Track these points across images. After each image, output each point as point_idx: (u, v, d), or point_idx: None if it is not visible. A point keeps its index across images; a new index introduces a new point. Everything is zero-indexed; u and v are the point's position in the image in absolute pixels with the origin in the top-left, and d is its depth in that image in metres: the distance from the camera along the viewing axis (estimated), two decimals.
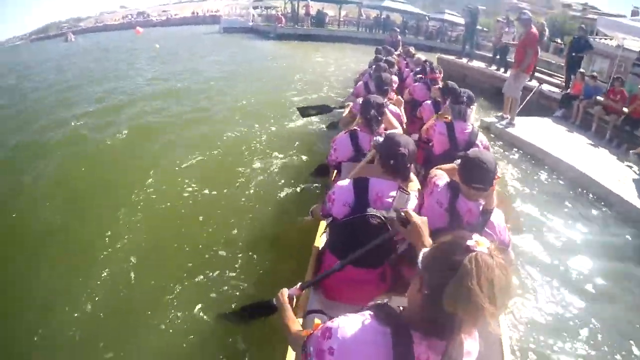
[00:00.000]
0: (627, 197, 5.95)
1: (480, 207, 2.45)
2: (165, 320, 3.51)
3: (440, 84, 5.52)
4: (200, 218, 5.11)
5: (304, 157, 6.94)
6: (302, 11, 31.52)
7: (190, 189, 5.76)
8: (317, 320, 1.46)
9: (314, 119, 8.58)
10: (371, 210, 2.31)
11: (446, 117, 4.18)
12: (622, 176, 6.76)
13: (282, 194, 5.73)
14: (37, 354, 3.25)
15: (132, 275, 4.06)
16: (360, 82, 6.81)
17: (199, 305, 3.64)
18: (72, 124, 8.87)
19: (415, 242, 1.84)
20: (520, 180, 6.69)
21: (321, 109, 6.62)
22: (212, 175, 6.25)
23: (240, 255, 4.39)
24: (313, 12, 32.12)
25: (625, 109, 8.69)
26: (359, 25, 33.44)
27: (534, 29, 8.28)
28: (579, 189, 6.48)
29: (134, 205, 5.34)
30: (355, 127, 3.72)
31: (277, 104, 10.59)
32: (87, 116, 9.50)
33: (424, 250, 1.21)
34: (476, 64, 15.15)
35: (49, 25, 57.83)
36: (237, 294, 3.83)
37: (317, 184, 5.70)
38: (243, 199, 5.59)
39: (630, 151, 7.68)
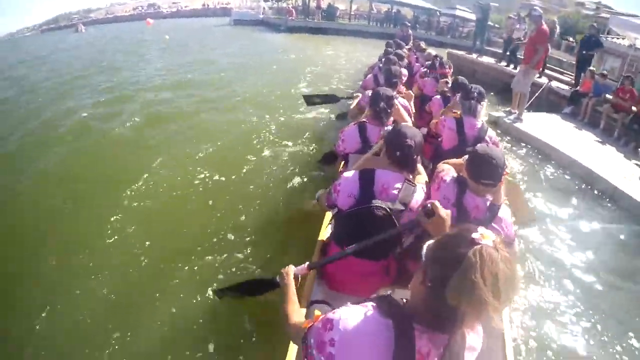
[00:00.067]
0: (633, 194, 5.97)
1: (488, 203, 2.41)
2: (172, 303, 3.61)
3: (450, 80, 5.55)
4: (210, 202, 5.25)
5: (313, 147, 7.02)
6: (313, 4, 31.44)
7: (200, 175, 5.88)
8: (317, 312, 1.46)
9: (323, 110, 8.69)
10: (376, 202, 2.30)
11: (455, 112, 4.20)
12: (628, 173, 6.78)
13: (290, 182, 5.81)
14: (45, 338, 3.32)
15: (142, 258, 4.17)
16: (370, 75, 6.81)
17: (206, 287, 3.73)
18: (82, 113, 9.00)
19: (436, 235, 1.77)
20: (526, 175, 6.74)
21: (328, 99, 6.62)
22: (221, 163, 6.35)
23: (247, 240, 4.50)
24: (324, 5, 32.04)
25: (634, 108, 8.67)
26: (369, 19, 33.20)
27: (545, 26, 8.26)
28: (585, 185, 6.52)
29: (143, 191, 5.47)
30: (363, 119, 3.72)
31: (287, 95, 10.67)
32: (97, 106, 9.65)
33: (429, 242, 1.20)
34: (486, 59, 15.09)
35: (59, 16, 57.89)
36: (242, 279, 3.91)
37: (324, 172, 5.76)
38: (252, 187, 5.69)
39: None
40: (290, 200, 5.35)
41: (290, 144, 7.16)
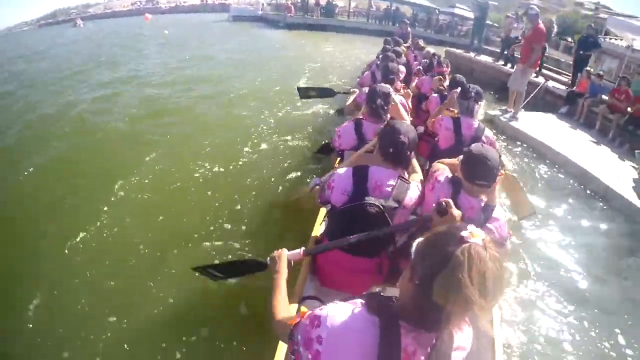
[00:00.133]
0: (625, 194, 6.04)
1: (482, 204, 2.38)
2: (168, 290, 3.70)
3: (448, 78, 5.57)
4: (207, 194, 5.36)
5: (310, 141, 7.07)
6: (311, 1, 31.39)
7: (198, 168, 5.97)
8: (303, 308, 1.46)
9: (322, 105, 8.75)
10: (369, 199, 2.30)
11: (453, 112, 4.20)
12: (622, 174, 6.83)
13: (287, 176, 5.88)
14: (42, 323, 3.40)
15: (139, 247, 4.28)
16: (367, 72, 6.81)
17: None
18: (81, 108, 9.05)
19: None
20: (520, 173, 6.76)
21: (323, 92, 6.52)
22: (219, 156, 6.43)
23: (243, 231, 4.62)
24: (323, 2, 31.99)
25: (629, 109, 8.73)
26: (368, 17, 33.14)
27: (541, 25, 8.29)
28: (578, 184, 6.58)
29: (141, 183, 5.57)
30: (360, 116, 3.72)
31: (286, 91, 10.69)
32: (96, 100, 9.70)
33: (419, 239, 1.19)
34: (484, 58, 15.13)
35: (58, 10, 57.50)
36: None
37: (321, 164, 5.86)
38: (249, 179, 5.76)
39: (636, 151, 7.75)
40: (287, 193, 5.38)
41: (288, 138, 7.22)
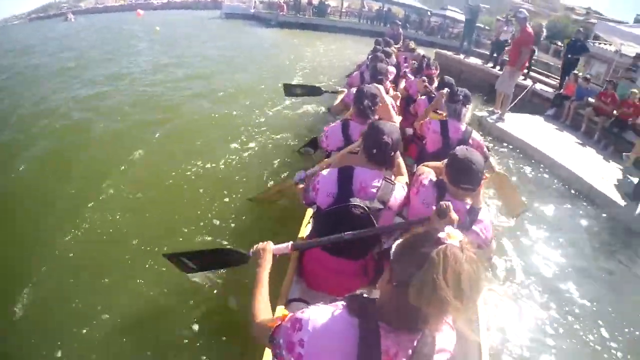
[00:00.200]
0: (609, 194, 6.19)
1: (468, 206, 2.37)
2: (154, 283, 3.71)
3: (436, 80, 5.58)
4: (195, 191, 5.35)
5: (300, 139, 7.02)
6: (304, 0, 31.41)
7: (187, 165, 5.94)
8: (284, 311, 1.46)
9: (313, 104, 8.75)
10: (354, 200, 2.30)
11: (441, 114, 4.22)
12: (606, 174, 6.98)
13: (276, 173, 5.90)
14: (30, 315, 3.41)
15: (128, 242, 4.26)
16: (356, 72, 6.82)
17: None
18: (71, 103, 8.93)
19: None
20: (505, 173, 6.84)
21: (310, 91, 6.44)
22: (208, 152, 6.43)
23: (230, 228, 4.62)
24: (315, 1, 32.01)
25: (615, 112, 8.88)
26: (360, 17, 33.29)
27: (529, 28, 8.39)
28: (563, 184, 6.71)
29: (130, 179, 5.56)
30: (348, 117, 3.72)
31: (277, 90, 10.47)
32: (86, 97, 9.53)
33: (398, 241, 1.20)
34: (473, 60, 15.25)
35: (49, 4, 56.95)
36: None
37: (308, 164, 5.82)
38: (237, 177, 5.78)
39: (623, 153, 7.89)
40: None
41: (278, 136, 7.24)
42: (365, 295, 1.27)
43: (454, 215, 1.92)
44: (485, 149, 4.06)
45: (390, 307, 1.14)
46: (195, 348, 3.18)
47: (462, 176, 2.35)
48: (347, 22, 31.79)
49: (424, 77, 5.68)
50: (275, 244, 2.07)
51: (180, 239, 4.33)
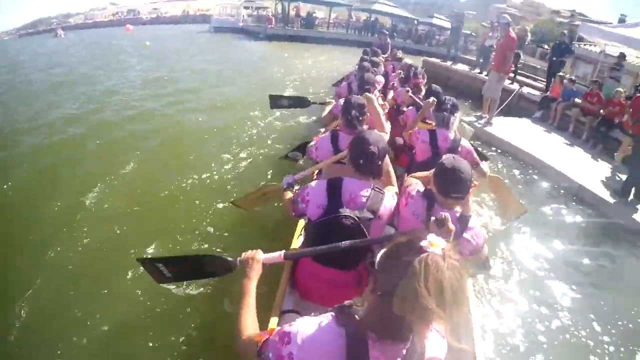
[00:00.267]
0: (597, 192, 6.29)
1: (458, 214, 2.36)
2: (144, 289, 3.70)
3: (424, 89, 5.61)
4: (195, 201, 5.36)
5: (290, 148, 7.01)
6: (292, 12, 31.68)
7: (177, 176, 5.97)
8: (271, 326, 1.46)
9: (303, 114, 8.79)
10: (344, 211, 2.28)
11: (430, 124, 4.22)
12: (594, 173, 7.09)
13: (266, 182, 5.86)
14: (21, 317, 3.43)
15: (120, 250, 4.27)
16: (344, 83, 6.79)
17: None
18: (61, 118, 8.89)
19: None
20: (498, 176, 6.90)
21: (296, 102, 6.36)
22: (199, 165, 6.43)
23: (222, 237, 4.63)
24: (303, 13, 32.31)
25: (601, 111, 9.01)
26: (348, 28, 33.58)
27: (512, 33, 8.52)
28: (552, 184, 6.78)
29: (123, 190, 5.60)
30: (337, 128, 3.72)
31: (266, 102, 10.68)
32: (78, 113, 9.47)
33: (382, 250, 1.20)
34: (460, 67, 15.42)
35: (38, 20, 57.02)
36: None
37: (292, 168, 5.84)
38: (228, 186, 5.81)
39: (615, 153, 7.98)
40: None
41: (269, 146, 7.28)
42: (355, 305, 1.25)
43: (452, 226, 1.92)
44: (475, 155, 4.06)
45: (376, 316, 1.14)
46: (190, 355, 3.18)
47: (451, 185, 2.32)
48: (335, 33, 32.05)
49: (408, 88, 5.68)
50: (265, 253, 2.02)
51: (170, 246, 4.36)
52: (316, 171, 3.87)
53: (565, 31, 13.14)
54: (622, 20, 21.70)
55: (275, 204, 4.81)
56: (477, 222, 2.43)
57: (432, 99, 4.41)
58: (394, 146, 4.97)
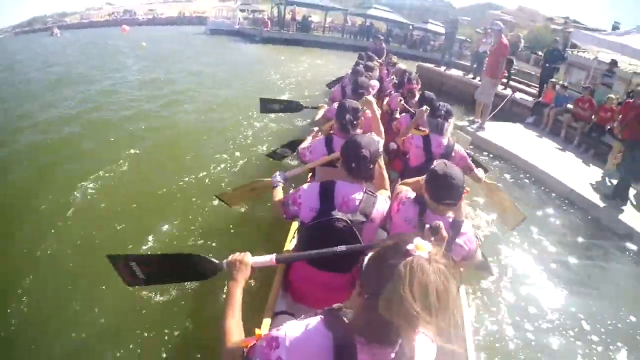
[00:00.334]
0: (588, 195, 6.40)
1: (450, 220, 2.35)
2: (135, 290, 3.62)
3: (418, 94, 5.63)
4: (192, 199, 5.41)
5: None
6: (288, 16, 31.71)
7: (172, 176, 6.01)
8: (257, 331, 1.42)
9: (299, 117, 8.85)
10: (337, 214, 2.29)
11: (424, 131, 4.22)
12: (585, 177, 7.21)
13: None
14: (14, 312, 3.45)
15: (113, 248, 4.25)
16: (338, 86, 6.82)
17: None
18: (57, 118, 8.90)
19: None
20: (494, 182, 6.94)
21: (287, 106, 6.28)
22: (194, 166, 6.46)
23: (214, 238, 4.63)
24: (299, 17, 32.36)
25: (593, 117, 9.13)
26: (343, 32, 33.75)
27: (504, 39, 8.63)
28: (544, 188, 6.88)
29: (117, 189, 5.63)
30: (331, 132, 3.73)
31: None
32: (73, 113, 9.43)
33: (369, 254, 1.19)
34: (454, 72, 15.53)
35: (34, 18, 56.76)
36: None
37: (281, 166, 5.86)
38: (223, 184, 5.84)
39: (608, 157, 8.08)
40: (258, 205, 5.32)
41: (264, 147, 7.30)
42: (344, 308, 1.24)
43: (444, 233, 1.92)
44: (469, 161, 4.09)
45: (363, 320, 1.12)
46: (182, 351, 3.19)
47: (442, 192, 2.31)
48: (330, 37, 32.14)
49: (400, 97, 5.71)
50: (255, 255, 1.96)
51: (164, 245, 4.38)
52: (309, 172, 3.91)
53: (559, 38, 13.29)
54: (615, 28, 21.87)
55: (269, 205, 4.82)
56: (470, 227, 2.44)
57: (425, 107, 4.42)
58: (388, 151, 4.99)
